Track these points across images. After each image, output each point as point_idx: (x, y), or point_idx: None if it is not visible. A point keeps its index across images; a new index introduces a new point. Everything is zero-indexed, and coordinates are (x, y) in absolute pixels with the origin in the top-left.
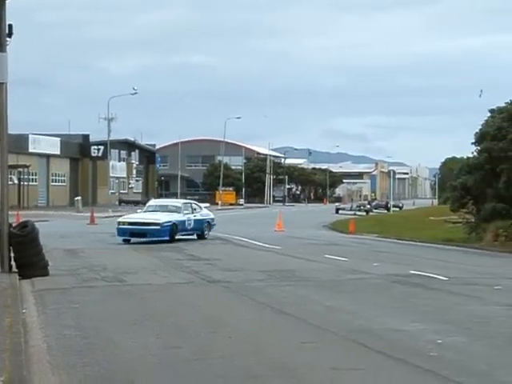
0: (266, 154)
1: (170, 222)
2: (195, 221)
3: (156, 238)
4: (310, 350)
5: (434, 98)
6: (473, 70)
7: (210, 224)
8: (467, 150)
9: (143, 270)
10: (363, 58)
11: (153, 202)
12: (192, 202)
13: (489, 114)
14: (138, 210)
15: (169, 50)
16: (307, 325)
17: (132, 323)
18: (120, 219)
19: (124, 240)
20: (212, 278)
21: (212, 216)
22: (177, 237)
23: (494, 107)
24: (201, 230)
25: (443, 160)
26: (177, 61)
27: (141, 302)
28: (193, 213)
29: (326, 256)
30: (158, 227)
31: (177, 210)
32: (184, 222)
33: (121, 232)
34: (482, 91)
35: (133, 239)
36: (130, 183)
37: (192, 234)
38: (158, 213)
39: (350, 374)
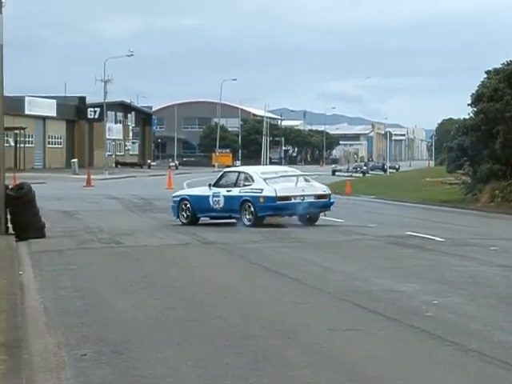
0: (263, 116)
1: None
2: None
3: None
4: (306, 311)
5: (431, 59)
6: (471, 30)
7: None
8: (464, 111)
9: (139, 231)
10: (354, 19)
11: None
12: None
13: (485, 76)
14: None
15: (161, 13)
16: (303, 285)
17: (128, 284)
18: None
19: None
20: (208, 240)
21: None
22: None
23: (491, 68)
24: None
25: (440, 121)
26: (170, 23)
27: (137, 264)
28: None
29: (322, 217)
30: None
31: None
32: None
33: None
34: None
35: None
36: (126, 145)
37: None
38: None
39: (346, 334)
